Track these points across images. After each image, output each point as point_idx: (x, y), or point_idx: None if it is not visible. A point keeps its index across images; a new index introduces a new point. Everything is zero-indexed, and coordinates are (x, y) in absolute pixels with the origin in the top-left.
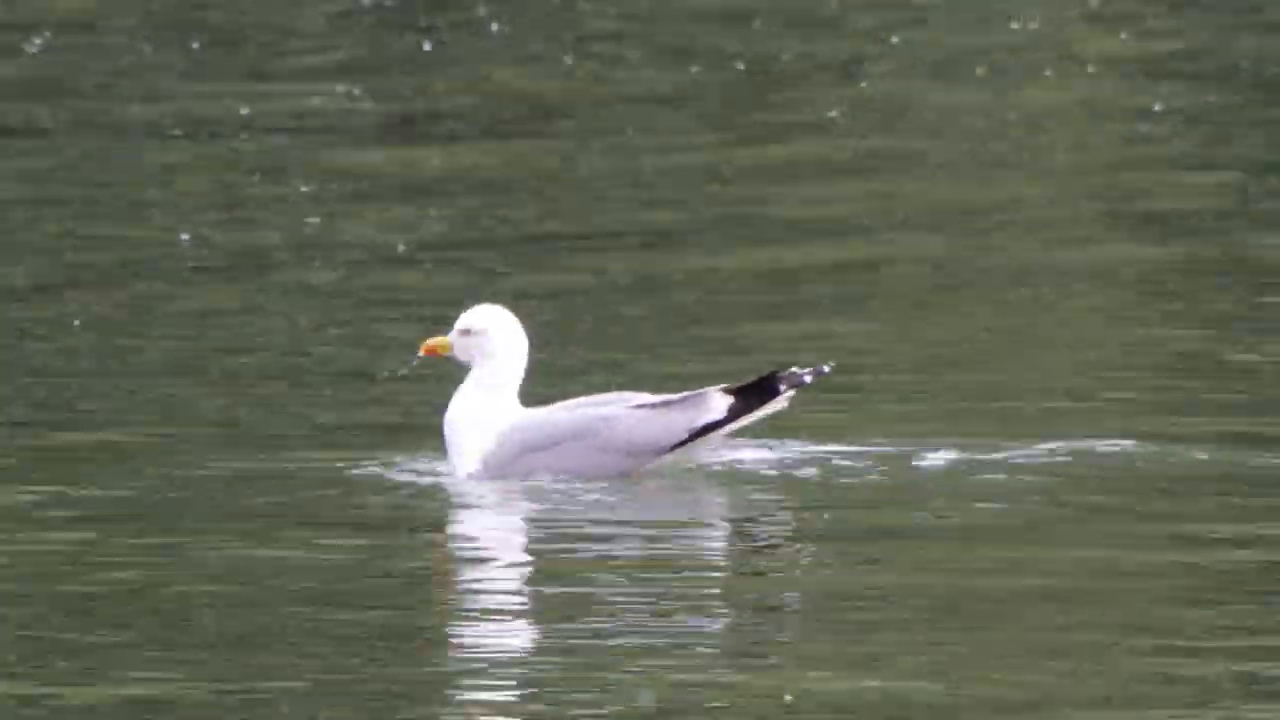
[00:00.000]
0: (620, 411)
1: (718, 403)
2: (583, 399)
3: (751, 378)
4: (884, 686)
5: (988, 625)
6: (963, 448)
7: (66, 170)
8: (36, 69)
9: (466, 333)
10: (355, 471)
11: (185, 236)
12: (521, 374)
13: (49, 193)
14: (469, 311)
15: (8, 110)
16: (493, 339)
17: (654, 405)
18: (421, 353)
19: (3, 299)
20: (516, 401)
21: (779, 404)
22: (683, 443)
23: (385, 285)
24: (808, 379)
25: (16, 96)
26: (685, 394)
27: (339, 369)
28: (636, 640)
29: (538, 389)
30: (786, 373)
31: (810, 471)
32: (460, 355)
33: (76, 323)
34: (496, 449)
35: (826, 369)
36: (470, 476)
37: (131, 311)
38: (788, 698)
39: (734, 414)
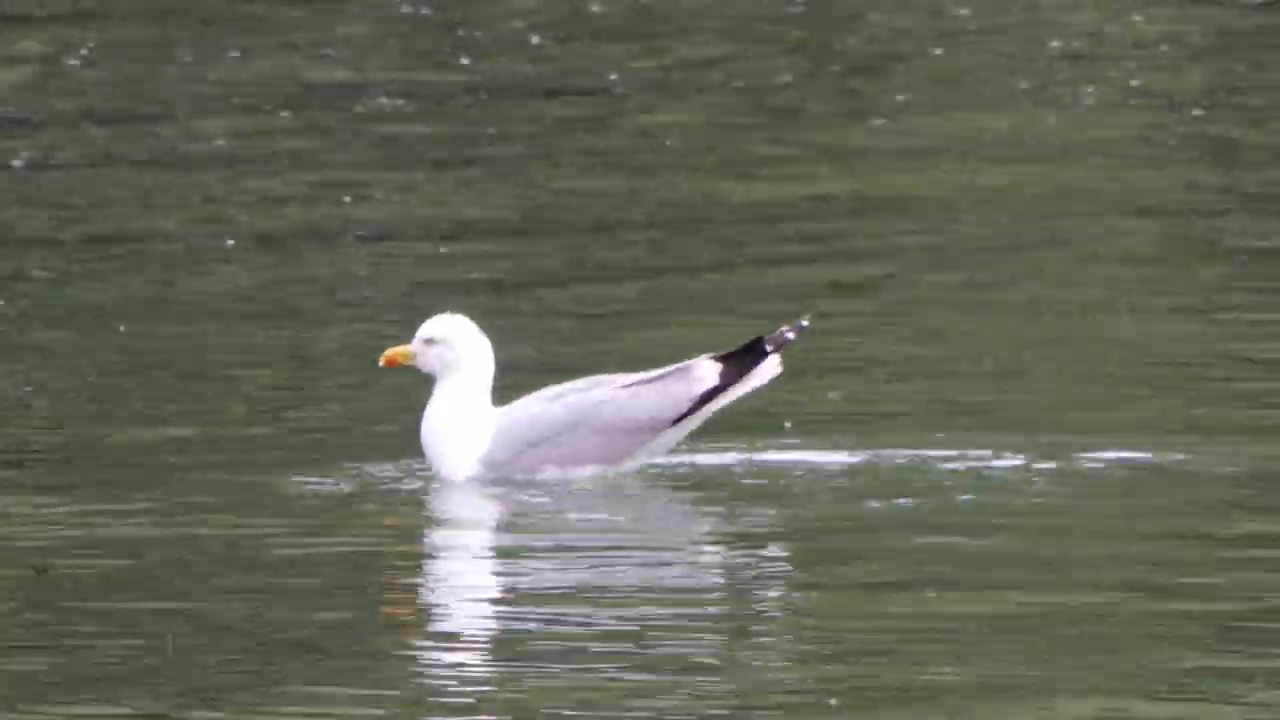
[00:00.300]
0: (613, 392)
1: (708, 371)
2: (557, 388)
3: (737, 345)
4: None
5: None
6: (996, 452)
7: (105, 165)
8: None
9: (430, 342)
10: (331, 480)
11: (230, 242)
12: (490, 378)
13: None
14: (431, 321)
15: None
16: (455, 347)
17: (645, 381)
18: (382, 363)
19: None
20: (489, 403)
21: (771, 370)
22: (683, 415)
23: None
24: (790, 335)
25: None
26: (673, 366)
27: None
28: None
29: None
30: (771, 335)
31: (841, 480)
32: (423, 364)
33: (123, 328)
34: (493, 449)
35: (805, 323)
36: (469, 479)
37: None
38: (832, 701)
39: (726, 381)
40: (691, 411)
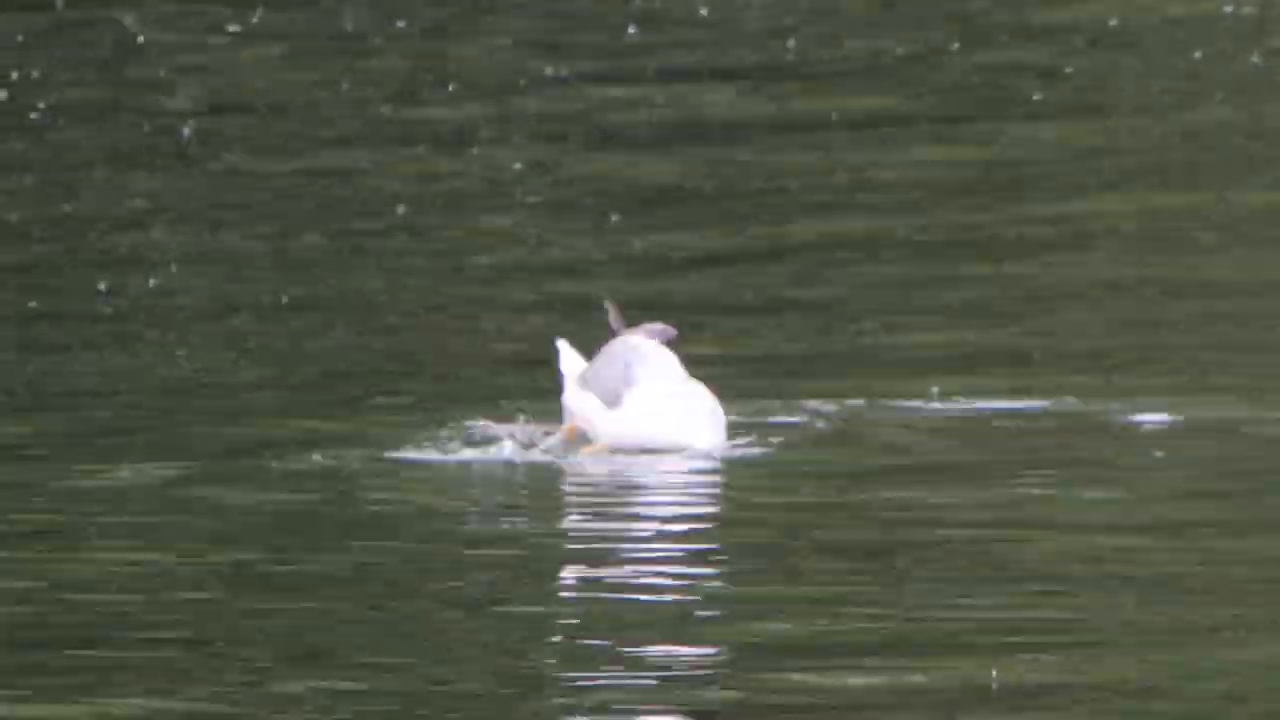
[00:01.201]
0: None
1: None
2: (642, 341)
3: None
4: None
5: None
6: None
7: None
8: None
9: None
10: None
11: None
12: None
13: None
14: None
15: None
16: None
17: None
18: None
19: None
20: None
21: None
22: None
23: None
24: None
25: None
26: (623, 345)
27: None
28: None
29: None
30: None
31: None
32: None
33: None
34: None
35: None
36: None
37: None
38: (994, 672)
39: None
40: None
